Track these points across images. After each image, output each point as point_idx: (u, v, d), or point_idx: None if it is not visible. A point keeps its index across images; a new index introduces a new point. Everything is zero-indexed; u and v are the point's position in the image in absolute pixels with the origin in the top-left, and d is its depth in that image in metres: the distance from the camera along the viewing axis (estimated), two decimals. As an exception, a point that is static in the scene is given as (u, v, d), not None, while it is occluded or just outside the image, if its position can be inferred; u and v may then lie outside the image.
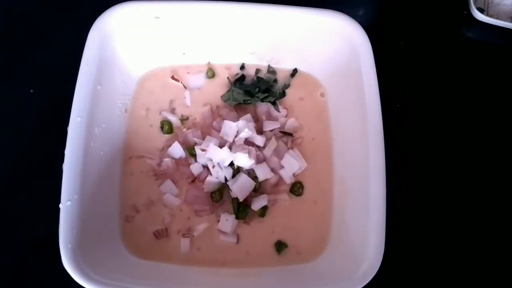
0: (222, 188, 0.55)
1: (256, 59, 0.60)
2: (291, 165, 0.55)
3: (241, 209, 0.54)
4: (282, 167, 0.56)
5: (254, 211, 0.54)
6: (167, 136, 0.57)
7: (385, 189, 0.48)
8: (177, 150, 0.56)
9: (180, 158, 0.56)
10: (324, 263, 0.52)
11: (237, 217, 0.54)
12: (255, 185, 0.54)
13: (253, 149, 0.54)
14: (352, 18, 0.53)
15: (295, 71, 0.60)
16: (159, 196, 0.55)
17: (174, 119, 0.58)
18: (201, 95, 0.60)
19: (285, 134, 0.58)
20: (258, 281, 0.51)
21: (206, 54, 0.60)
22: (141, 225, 0.54)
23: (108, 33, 0.53)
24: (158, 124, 0.58)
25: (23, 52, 0.62)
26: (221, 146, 0.54)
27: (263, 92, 0.58)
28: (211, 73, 0.60)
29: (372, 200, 0.48)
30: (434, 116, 0.61)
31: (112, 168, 0.54)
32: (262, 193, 0.55)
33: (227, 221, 0.53)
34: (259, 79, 0.60)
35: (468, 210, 0.57)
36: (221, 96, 0.59)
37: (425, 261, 0.56)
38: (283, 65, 0.61)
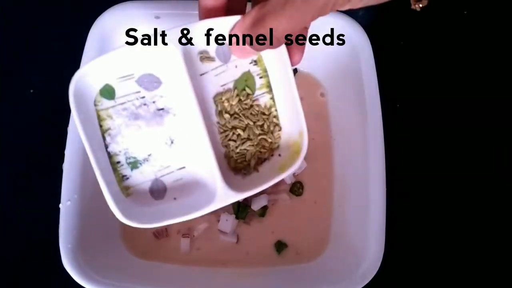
0: (222, 188, 0.55)
1: (256, 59, 0.60)
2: (291, 165, 0.55)
3: (241, 209, 0.54)
4: (282, 167, 0.56)
5: (254, 211, 0.54)
6: (167, 136, 0.57)
7: (385, 189, 0.48)
8: (177, 150, 0.56)
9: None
10: (324, 263, 0.52)
11: (237, 217, 0.54)
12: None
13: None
14: (352, 18, 0.53)
15: (295, 71, 0.60)
16: (159, 196, 0.55)
17: (174, 119, 0.58)
18: (201, 95, 0.59)
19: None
20: (258, 281, 0.51)
21: (206, 54, 0.60)
22: (141, 225, 0.54)
23: (108, 33, 0.53)
24: (158, 124, 0.58)
25: (23, 52, 0.62)
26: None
27: (263, 92, 0.58)
28: (211, 73, 0.60)
29: (372, 200, 0.48)
30: (434, 116, 0.61)
31: (112, 168, 0.54)
32: (262, 193, 0.55)
33: (227, 221, 0.53)
34: (259, 79, 0.60)
35: (468, 210, 0.57)
36: (221, 96, 0.59)
37: (425, 261, 0.56)
38: (283, 65, 0.60)
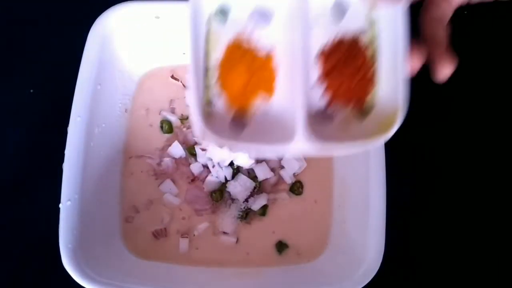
0: (222, 188, 0.55)
1: (256, 59, 0.60)
2: (291, 165, 0.55)
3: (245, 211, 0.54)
4: (282, 167, 0.56)
5: (254, 211, 0.54)
6: (167, 135, 0.57)
7: (385, 189, 0.48)
8: (177, 149, 0.56)
9: (180, 157, 0.56)
10: (324, 263, 0.52)
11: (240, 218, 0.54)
12: (255, 185, 0.54)
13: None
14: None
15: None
16: (158, 196, 0.55)
17: (174, 119, 0.58)
18: (201, 95, 0.59)
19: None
20: (258, 281, 0.51)
21: (206, 54, 0.60)
22: (141, 225, 0.54)
23: (108, 33, 0.53)
24: (158, 124, 0.58)
25: (23, 52, 0.62)
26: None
27: (263, 92, 0.58)
28: (211, 73, 0.60)
29: (372, 200, 0.48)
30: (434, 116, 0.61)
31: (112, 168, 0.54)
32: (262, 192, 0.55)
33: (228, 221, 0.54)
34: (259, 79, 0.60)
35: (468, 210, 0.57)
36: (221, 96, 0.59)
37: (425, 261, 0.56)
38: (283, 65, 0.61)
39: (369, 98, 0.37)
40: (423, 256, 0.56)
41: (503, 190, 0.58)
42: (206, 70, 0.37)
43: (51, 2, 0.64)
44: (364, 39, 0.37)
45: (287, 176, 0.55)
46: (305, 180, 0.56)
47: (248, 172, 0.55)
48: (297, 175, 0.56)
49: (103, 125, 0.53)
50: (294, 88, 0.35)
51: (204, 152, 0.54)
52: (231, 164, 0.54)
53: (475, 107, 0.61)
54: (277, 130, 0.37)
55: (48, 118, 0.58)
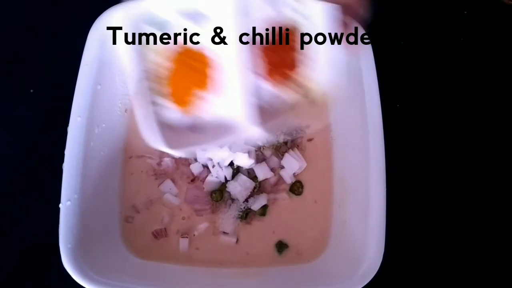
0: (222, 188, 0.55)
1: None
2: (291, 165, 0.55)
3: (245, 211, 0.54)
4: (282, 167, 0.56)
5: (254, 211, 0.54)
6: (167, 136, 0.57)
7: (385, 189, 0.48)
8: (177, 150, 0.56)
9: (180, 157, 0.56)
10: (324, 263, 0.52)
11: (240, 219, 0.54)
12: (255, 185, 0.54)
13: (253, 148, 0.55)
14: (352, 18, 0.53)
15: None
16: (158, 196, 0.55)
17: (174, 119, 0.58)
18: (201, 95, 0.60)
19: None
20: (258, 281, 0.51)
21: (206, 54, 0.60)
22: (141, 225, 0.54)
23: (108, 33, 0.53)
24: (158, 124, 0.58)
25: (23, 52, 0.62)
26: (221, 146, 0.54)
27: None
28: (211, 73, 0.60)
29: (372, 200, 0.48)
30: (434, 116, 0.61)
31: (112, 168, 0.54)
32: (262, 192, 0.55)
33: (228, 221, 0.54)
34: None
35: (468, 210, 0.57)
36: (221, 96, 0.59)
37: (425, 261, 0.56)
38: (283, 65, 0.61)
39: (306, 79, 0.42)
40: (423, 256, 0.56)
41: (503, 190, 0.58)
42: (159, 79, 0.40)
43: (52, 2, 0.64)
44: (299, 29, 0.41)
45: (287, 176, 0.55)
46: (305, 180, 0.56)
47: (248, 172, 0.55)
48: (297, 175, 0.56)
49: (103, 125, 0.53)
50: (238, 81, 0.39)
51: (204, 152, 0.54)
52: (231, 164, 0.54)
53: (475, 108, 0.61)
54: (230, 124, 0.40)
55: (48, 118, 0.58)
